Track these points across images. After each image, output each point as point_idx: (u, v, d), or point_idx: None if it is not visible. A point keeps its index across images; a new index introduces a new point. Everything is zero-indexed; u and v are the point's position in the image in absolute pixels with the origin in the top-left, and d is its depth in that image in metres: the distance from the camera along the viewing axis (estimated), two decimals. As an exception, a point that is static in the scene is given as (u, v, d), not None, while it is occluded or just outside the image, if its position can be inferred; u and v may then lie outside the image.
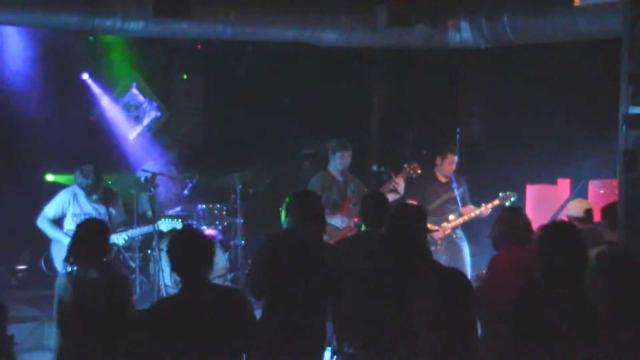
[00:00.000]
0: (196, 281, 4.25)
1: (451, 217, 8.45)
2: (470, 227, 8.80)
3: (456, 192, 8.47)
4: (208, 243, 4.38)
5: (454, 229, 8.47)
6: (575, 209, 6.80)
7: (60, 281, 5.25)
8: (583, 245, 4.24)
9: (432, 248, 8.40)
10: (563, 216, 7.15)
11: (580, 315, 4.14)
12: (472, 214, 8.40)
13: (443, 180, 8.49)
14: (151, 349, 4.14)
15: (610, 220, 5.77)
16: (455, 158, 8.44)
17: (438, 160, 8.47)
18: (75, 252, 5.21)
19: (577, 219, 6.61)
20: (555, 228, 4.41)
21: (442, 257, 8.46)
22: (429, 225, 8.22)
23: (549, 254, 4.19)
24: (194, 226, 9.08)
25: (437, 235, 8.38)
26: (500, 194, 8.30)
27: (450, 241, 8.47)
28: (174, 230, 8.55)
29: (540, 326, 4.15)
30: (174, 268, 4.32)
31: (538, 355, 4.14)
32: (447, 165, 8.42)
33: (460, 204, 8.49)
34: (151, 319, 4.23)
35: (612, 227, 5.65)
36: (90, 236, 5.23)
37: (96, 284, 5.12)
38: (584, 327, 4.12)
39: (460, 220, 8.42)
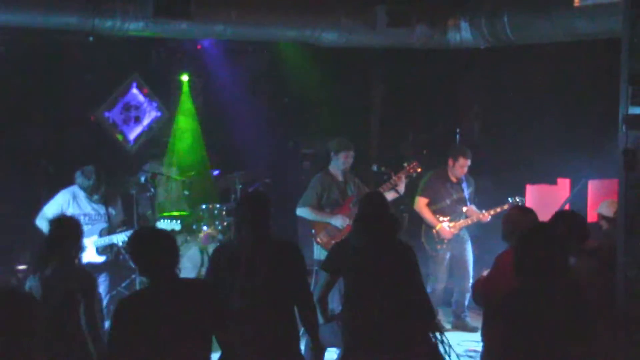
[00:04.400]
0: (164, 277, 4.32)
1: (459, 216, 8.53)
2: (473, 229, 8.81)
3: (466, 193, 8.54)
4: (169, 239, 4.44)
5: (460, 229, 8.52)
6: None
7: (29, 283, 5.38)
8: (559, 244, 4.31)
9: (438, 247, 8.48)
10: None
11: (568, 311, 4.18)
12: (475, 218, 8.46)
13: (454, 180, 8.57)
14: (126, 339, 4.20)
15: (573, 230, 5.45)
16: (468, 162, 8.51)
17: (450, 162, 8.53)
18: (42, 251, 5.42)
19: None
20: (530, 230, 4.51)
21: (447, 255, 8.56)
22: (438, 227, 8.32)
23: (525, 255, 4.26)
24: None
25: (446, 235, 8.43)
26: (509, 200, 8.32)
27: (455, 240, 8.56)
28: (173, 231, 8.57)
29: (530, 323, 4.19)
30: (140, 269, 4.43)
31: (532, 351, 4.18)
32: (458, 168, 8.52)
33: (469, 204, 8.58)
34: (123, 312, 4.28)
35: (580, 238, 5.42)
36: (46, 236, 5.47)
37: (54, 280, 5.24)
38: (573, 324, 4.16)
39: (469, 221, 8.49)
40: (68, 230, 5.52)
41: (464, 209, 8.55)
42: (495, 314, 4.48)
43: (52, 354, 3.95)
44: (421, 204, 8.59)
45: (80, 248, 5.57)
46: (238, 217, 5.36)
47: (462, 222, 8.54)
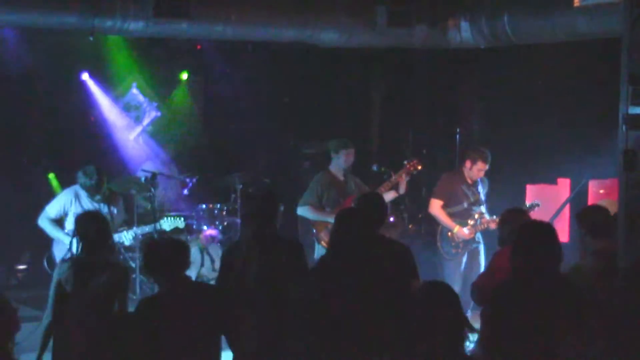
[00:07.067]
0: (176, 280, 4.53)
1: (474, 220, 8.31)
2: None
3: (482, 194, 8.38)
4: (180, 245, 4.68)
5: (477, 231, 8.32)
6: None
7: (62, 265, 5.43)
8: (556, 242, 4.34)
9: (454, 251, 8.35)
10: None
11: (557, 308, 4.20)
12: (485, 224, 8.25)
13: (470, 182, 8.35)
14: (140, 345, 4.40)
15: (589, 227, 5.35)
16: (486, 166, 8.27)
17: (468, 164, 8.30)
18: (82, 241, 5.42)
19: None
20: (529, 227, 4.55)
21: (464, 258, 8.37)
22: (455, 230, 8.16)
23: (524, 252, 4.27)
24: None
25: (464, 236, 8.26)
26: (527, 205, 7.93)
27: (470, 243, 8.36)
28: (176, 229, 8.58)
29: (518, 321, 4.22)
30: (152, 274, 4.64)
31: (516, 343, 4.20)
32: (476, 172, 8.28)
33: (485, 205, 8.38)
34: (139, 318, 4.49)
35: (594, 235, 5.31)
36: (94, 227, 5.40)
37: (96, 270, 5.28)
38: (561, 321, 4.18)
39: (485, 225, 8.25)
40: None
41: (480, 209, 8.30)
42: (486, 304, 4.51)
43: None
44: (436, 206, 8.34)
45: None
46: (242, 214, 5.42)
47: (478, 226, 8.25)
